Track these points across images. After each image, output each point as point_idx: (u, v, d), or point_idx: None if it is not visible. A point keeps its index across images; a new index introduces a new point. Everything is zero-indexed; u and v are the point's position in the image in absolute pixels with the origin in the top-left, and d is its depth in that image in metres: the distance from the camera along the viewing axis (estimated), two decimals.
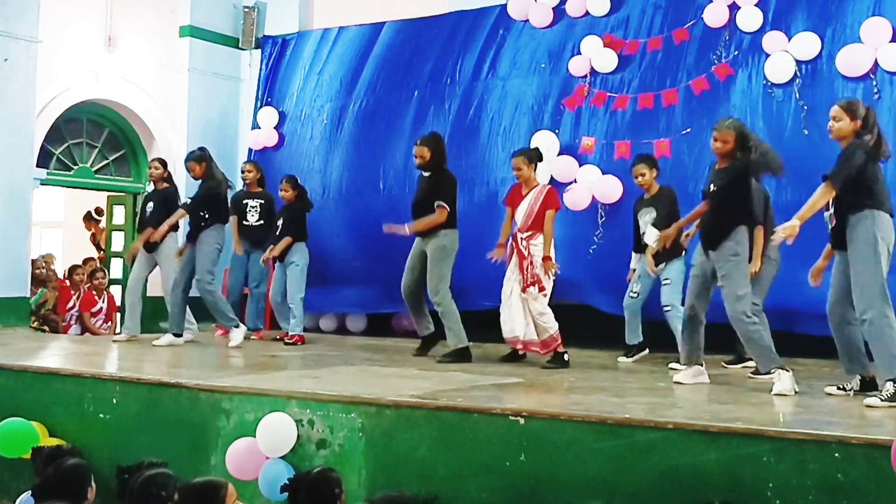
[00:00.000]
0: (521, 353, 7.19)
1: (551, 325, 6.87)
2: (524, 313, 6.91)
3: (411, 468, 4.64)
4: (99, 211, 11.65)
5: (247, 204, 9.12)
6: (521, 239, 6.96)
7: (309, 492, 4.01)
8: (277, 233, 8.74)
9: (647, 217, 7.32)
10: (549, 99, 8.99)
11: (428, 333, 7.63)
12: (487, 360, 7.21)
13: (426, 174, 7.53)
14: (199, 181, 8.15)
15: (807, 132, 7.64)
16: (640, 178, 7.38)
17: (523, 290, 6.87)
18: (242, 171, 9.41)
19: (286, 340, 8.57)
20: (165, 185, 8.37)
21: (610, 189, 8.41)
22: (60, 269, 11.15)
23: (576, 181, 8.50)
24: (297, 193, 8.86)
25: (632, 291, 7.42)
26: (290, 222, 8.70)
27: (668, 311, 7.18)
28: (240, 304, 9.18)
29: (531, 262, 6.87)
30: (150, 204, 8.35)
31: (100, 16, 10.33)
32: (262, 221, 9.09)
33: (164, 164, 8.44)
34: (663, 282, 7.24)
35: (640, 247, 7.38)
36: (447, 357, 7.16)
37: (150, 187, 9.55)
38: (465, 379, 5.88)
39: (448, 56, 9.75)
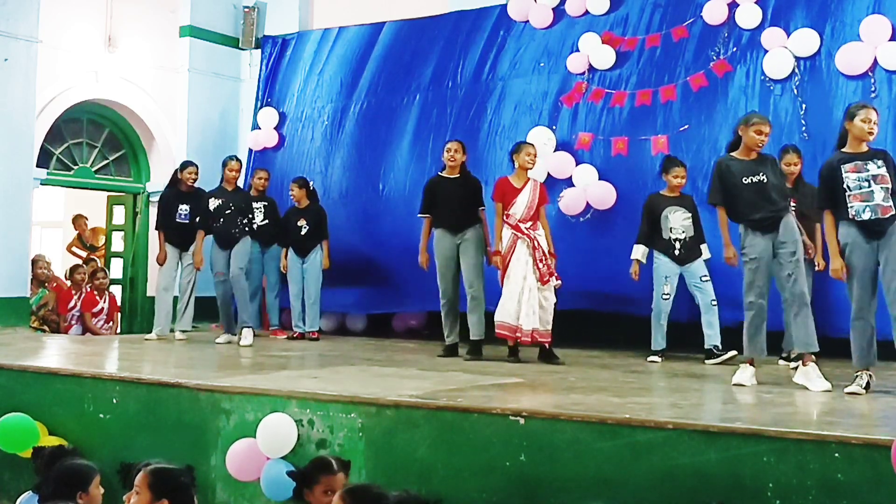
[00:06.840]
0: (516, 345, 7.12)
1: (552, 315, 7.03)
2: (536, 305, 6.93)
3: (411, 468, 4.64)
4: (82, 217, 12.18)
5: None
6: (526, 230, 7.05)
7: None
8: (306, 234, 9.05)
9: (678, 215, 7.36)
10: (547, 96, 8.96)
11: (456, 343, 7.54)
12: (487, 359, 7.20)
13: (454, 176, 7.63)
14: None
15: (805, 128, 7.62)
16: (680, 181, 7.49)
17: (544, 283, 6.91)
18: (256, 178, 9.58)
19: (309, 336, 8.98)
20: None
21: (604, 195, 8.31)
22: (59, 269, 11.13)
23: (572, 183, 8.44)
24: (308, 193, 9.20)
25: (664, 294, 7.34)
26: (319, 225, 9.09)
27: (715, 305, 7.27)
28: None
29: (544, 253, 6.95)
30: (186, 207, 8.74)
31: (100, 16, 10.32)
32: (266, 222, 9.32)
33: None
34: (703, 278, 7.29)
35: (662, 242, 7.37)
36: (472, 355, 7.29)
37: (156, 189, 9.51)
38: (465, 379, 5.88)
39: (449, 58, 9.73)
